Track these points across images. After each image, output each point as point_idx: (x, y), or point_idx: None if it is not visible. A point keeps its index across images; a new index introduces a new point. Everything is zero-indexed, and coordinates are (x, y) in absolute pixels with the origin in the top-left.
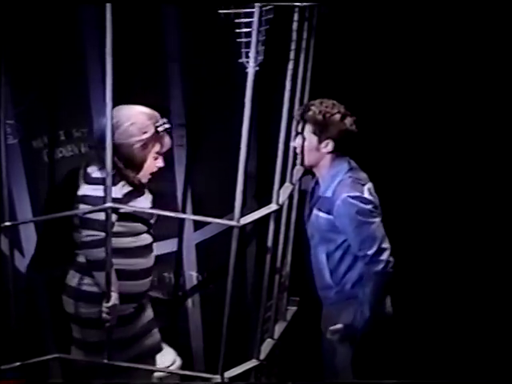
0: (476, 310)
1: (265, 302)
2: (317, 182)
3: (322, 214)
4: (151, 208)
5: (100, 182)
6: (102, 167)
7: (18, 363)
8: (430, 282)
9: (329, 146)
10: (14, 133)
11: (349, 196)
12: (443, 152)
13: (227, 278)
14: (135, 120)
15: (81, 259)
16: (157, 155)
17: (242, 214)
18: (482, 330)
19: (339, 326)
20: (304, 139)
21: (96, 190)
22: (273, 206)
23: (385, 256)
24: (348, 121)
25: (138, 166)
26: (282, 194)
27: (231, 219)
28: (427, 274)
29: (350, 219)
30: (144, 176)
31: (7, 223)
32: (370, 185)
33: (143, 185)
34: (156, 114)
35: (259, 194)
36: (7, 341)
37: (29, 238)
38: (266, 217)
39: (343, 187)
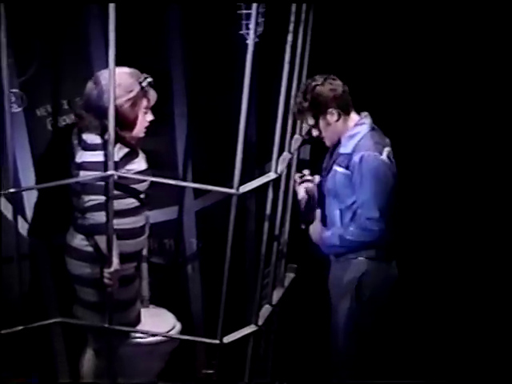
0: (480, 310)
1: (263, 268)
2: (338, 141)
3: (340, 169)
4: (148, 168)
5: (97, 147)
6: (97, 133)
7: (20, 327)
8: (432, 282)
9: (334, 115)
10: (18, 101)
11: (367, 154)
12: (441, 150)
13: (226, 244)
14: (119, 81)
15: (83, 221)
16: (146, 110)
17: (241, 183)
18: (485, 330)
19: None
20: (316, 126)
21: (94, 156)
22: (271, 175)
23: (378, 226)
24: (328, 85)
25: (131, 125)
26: (281, 163)
27: (231, 187)
28: (431, 273)
29: (362, 176)
30: (139, 132)
31: (11, 189)
32: (389, 149)
33: (137, 144)
34: (137, 71)
35: (258, 162)
36: (10, 307)
37: (32, 204)
38: (265, 185)
39: (363, 145)
